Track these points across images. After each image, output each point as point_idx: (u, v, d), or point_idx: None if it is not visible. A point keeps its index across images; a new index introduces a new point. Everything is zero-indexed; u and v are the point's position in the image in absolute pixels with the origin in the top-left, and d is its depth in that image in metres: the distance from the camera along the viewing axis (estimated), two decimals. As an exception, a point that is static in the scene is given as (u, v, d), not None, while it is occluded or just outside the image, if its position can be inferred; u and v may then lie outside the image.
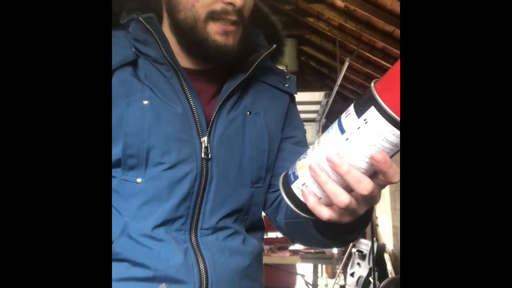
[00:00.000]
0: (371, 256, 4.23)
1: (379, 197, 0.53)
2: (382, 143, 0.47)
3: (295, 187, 0.55)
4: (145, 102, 0.70)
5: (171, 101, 0.72)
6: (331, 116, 4.68)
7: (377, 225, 5.65)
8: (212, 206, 0.72)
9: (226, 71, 0.79)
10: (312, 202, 0.53)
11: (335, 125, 0.51)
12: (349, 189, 0.50)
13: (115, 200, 0.70)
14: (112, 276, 0.66)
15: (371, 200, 0.52)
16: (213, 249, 0.71)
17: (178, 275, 0.67)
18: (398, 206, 4.79)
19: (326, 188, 0.50)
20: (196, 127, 0.72)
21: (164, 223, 0.69)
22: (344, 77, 3.94)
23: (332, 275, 5.46)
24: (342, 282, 5.07)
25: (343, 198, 0.50)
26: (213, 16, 0.68)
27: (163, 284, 0.65)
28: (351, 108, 0.50)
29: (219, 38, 0.69)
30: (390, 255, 4.83)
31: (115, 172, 0.70)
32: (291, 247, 3.46)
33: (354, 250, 4.89)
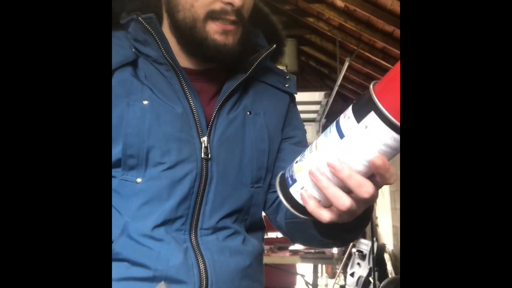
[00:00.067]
0: (371, 256, 4.23)
1: (377, 196, 0.53)
2: (381, 147, 0.47)
3: (294, 191, 0.55)
4: (145, 102, 0.70)
5: (171, 101, 0.72)
6: (331, 116, 4.68)
7: (377, 225, 5.65)
8: (212, 206, 0.72)
9: (226, 71, 0.78)
10: (312, 206, 0.53)
11: (333, 128, 0.51)
12: (347, 190, 0.50)
13: (115, 200, 0.70)
14: (112, 276, 0.66)
15: (370, 200, 0.52)
16: (213, 249, 0.71)
17: (178, 275, 0.67)
18: (398, 206, 4.79)
19: (327, 192, 0.50)
20: (196, 127, 0.72)
21: (164, 223, 0.69)
22: (344, 77, 3.94)
23: (332, 275, 5.46)
24: (342, 282, 5.07)
25: (344, 201, 0.50)
26: (212, 15, 0.68)
27: (162, 282, 0.65)
28: (350, 111, 0.49)
29: (218, 38, 0.69)
30: (390, 255, 4.83)
31: (115, 172, 0.70)
32: (291, 247, 3.46)
33: (354, 250, 4.89)
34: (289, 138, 0.83)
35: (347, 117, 0.49)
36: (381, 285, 3.92)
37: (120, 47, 0.73)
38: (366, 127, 0.47)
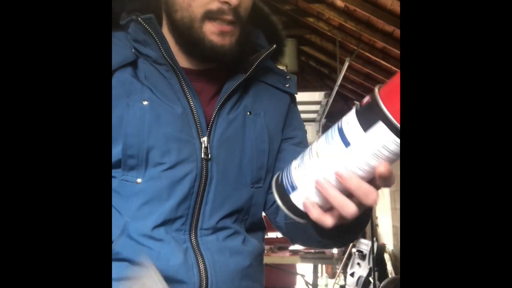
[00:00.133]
0: (371, 256, 4.23)
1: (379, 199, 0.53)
2: (386, 154, 0.47)
3: (295, 199, 0.54)
4: (145, 102, 0.70)
5: (171, 102, 0.72)
6: (331, 116, 4.68)
7: (377, 225, 5.65)
8: (212, 206, 0.72)
9: (226, 71, 0.78)
10: (316, 214, 0.52)
11: (335, 135, 0.49)
12: (348, 193, 0.50)
13: (115, 200, 0.70)
14: (112, 276, 0.66)
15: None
16: (213, 249, 0.71)
17: (178, 275, 0.67)
18: (398, 206, 4.79)
19: (334, 201, 0.50)
20: (196, 127, 0.72)
21: (164, 223, 0.69)
22: (344, 77, 3.94)
23: (332, 275, 5.45)
24: (342, 282, 5.07)
25: (351, 209, 0.50)
26: (209, 15, 0.68)
27: (150, 263, 0.63)
28: (354, 117, 0.48)
29: (215, 39, 0.69)
30: (390, 255, 4.83)
31: (115, 172, 0.70)
32: (291, 247, 3.46)
33: (354, 250, 4.89)
34: (290, 139, 0.83)
35: (351, 124, 0.48)
36: (381, 285, 3.92)
37: (120, 48, 0.73)
38: (373, 136, 0.46)
